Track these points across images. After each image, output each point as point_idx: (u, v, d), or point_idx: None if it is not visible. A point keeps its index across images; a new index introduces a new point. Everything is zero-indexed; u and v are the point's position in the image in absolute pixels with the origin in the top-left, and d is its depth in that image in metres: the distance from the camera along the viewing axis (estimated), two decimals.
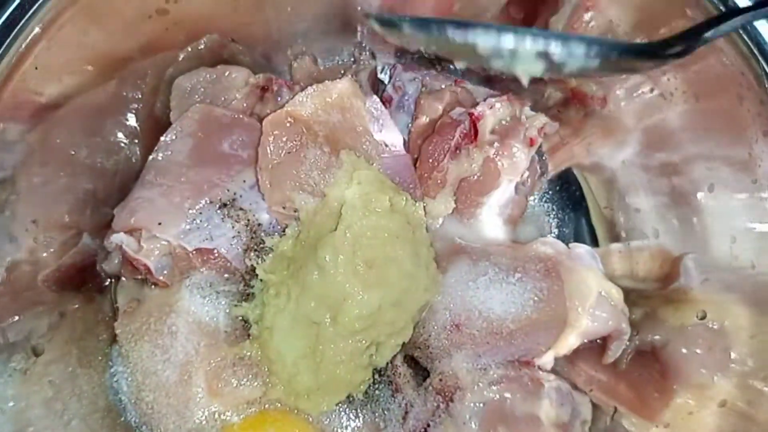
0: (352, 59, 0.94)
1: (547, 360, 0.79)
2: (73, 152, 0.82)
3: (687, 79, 0.71)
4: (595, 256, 0.79)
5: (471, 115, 0.79)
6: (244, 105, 0.85)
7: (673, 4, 0.66)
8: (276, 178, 0.76)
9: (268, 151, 0.76)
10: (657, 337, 0.78)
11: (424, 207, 0.80)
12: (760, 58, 0.62)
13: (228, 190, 0.82)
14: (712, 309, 0.71)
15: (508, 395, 0.75)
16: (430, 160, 0.80)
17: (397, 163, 0.83)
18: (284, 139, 0.76)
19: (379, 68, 0.94)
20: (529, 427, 0.74)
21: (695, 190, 0.75)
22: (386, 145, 0.84)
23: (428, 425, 0.75)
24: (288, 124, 0.76)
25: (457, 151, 0.79)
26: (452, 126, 0.80)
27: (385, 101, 0.89)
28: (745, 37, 0.62)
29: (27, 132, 0.75)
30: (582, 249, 0.79)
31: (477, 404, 0.75)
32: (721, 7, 0.61)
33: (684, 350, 0.74)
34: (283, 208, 0.77)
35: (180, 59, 0.89)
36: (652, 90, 0.76)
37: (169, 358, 0.77)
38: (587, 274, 0.77)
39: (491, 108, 0.78)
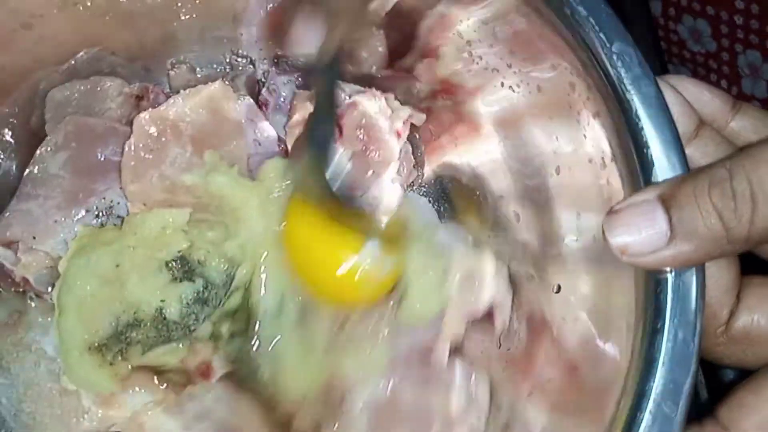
0: (230, 66, 0.96)
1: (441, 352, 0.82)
2: None
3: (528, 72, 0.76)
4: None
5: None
6: (119, 114, 0.87)
7: None
8: (137, 175, 0.78)
9: (132, 149, 0.78)
10: None
11: None
12: (584, 45, 0.66)
13: (104, 198, 0.83)
14: (565, 281, 0.76)
15: (398, 392, 0.78)
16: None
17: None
18: (147, 137, 0.79)
19: (259, 74, 0.97)
20: (421, 419, 0.77)
21: (546, 173, 0.80)
22: (259, 144, 0.87)
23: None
24: (155, 125, 0.78)
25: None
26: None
27: (262, 104, 0.92)
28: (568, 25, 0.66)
29: None
30: None
31: (366, 402, 0.78)
32: None
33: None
34: (144, 204, 0.79)
35: (56, 73, 0.90)
36: (502, 84, 0.81)
37: (49, 368, 0.78)
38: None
39: (355, 104, 0.82)
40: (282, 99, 0.92)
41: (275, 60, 0.98)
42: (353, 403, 0.78)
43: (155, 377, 0.82)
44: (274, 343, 0.80)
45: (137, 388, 0.81)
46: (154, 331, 0.80)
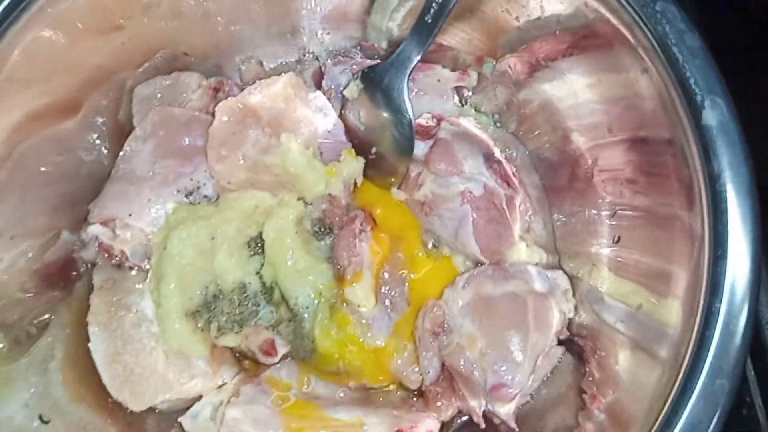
0: (296, 60, 1.06)
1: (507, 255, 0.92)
2: (45, 168, 0.89)
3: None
4: None
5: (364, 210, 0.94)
6: (200, 105, 0.96)
7: None
8: (222, 156, 0.87)
9: (217, 131, 0.87)
10: None
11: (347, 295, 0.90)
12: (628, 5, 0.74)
13: (192, 180, 0.92)
14: None
15: (480, 288, 0.87)
16: (344, 252, 0.90)
17: (335, 148, 0.95)
18: (231, 121, 0.87)
19: (322, 67, 1.06)
20: (511, 300, 0.86)
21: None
22: (329, 132, 0.96)
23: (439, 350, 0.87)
24: (236, 110, 0.87)
25: (363, 234, 0.90)
26: (351, 220, 0.92)
27: (326, 94, 1.01)
28: None
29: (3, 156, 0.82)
30: None
31: (461, 309, 0.87)
32: None
33: None
34: (228, 183, 0.88)
35: (139, 71, 1.00)
36: None
37: (149, 329, 0.86)
38: None
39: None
40: (341, 88, 1.01)
41: (332, 52, 1.08)
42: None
43: (235, 354, 0.92)
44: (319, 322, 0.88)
45: (223, 365, 0.89)
46: (233, 305, 0.87)
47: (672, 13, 0.73)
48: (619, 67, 0.82)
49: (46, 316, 0.90)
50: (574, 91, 0.92)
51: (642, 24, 0.73)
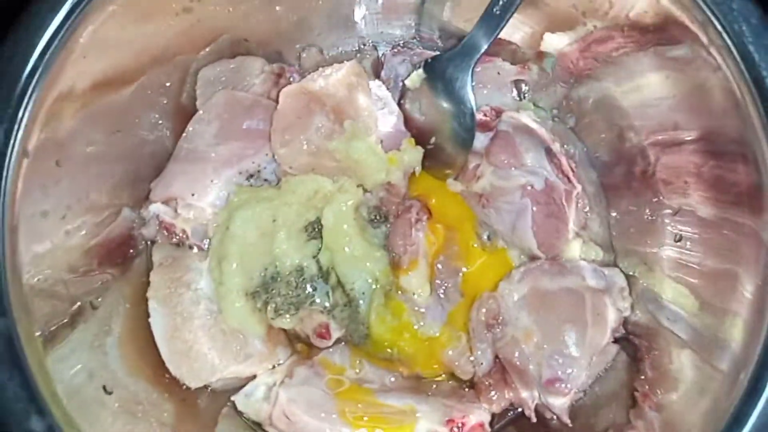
0: (356, 49, 1.06)
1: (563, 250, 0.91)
2: (109, 146, 0.90)
3: None
4: None
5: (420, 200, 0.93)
6: (262, 89, 0.97)
7: None
8: (286, 140, 0.88)
9: (282, 115, 0.88)
10: None
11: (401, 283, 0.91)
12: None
13: (253, 162, 0.93)
14: None
15: (537, 282, 0.87)
16: (400, 241, 0.90)
17: (395, 137, 0.96)
18: (296, 106, 0.88)
19: (381, 57, 1.06)
20: (568, 295, 0.86)
21: None
22: (389, 121, 0.97)
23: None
24: (301, 95, 0.88)
25: (419, 224, 0.90)
26: (407, 209, 0.92)
27: (385, 84, 1.01)
28: None
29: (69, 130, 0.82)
30: None
31: (517, 302, 0.87)
32: None
33: None
34: (290, 167, 0.89)
35: (202, 54, 1.01)
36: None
37: (208, 308, 0.88)
38: None
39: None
40: (400, 78, 1.01)
41: (391, 42, 1.09)
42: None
43: (289, 338, 0.93)
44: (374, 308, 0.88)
45: (277, 346, 0.90)
46: (290, 287, 0.88)
47: (749, 11, 0.72)
48: (688, 64, 0.81)
49: (105, 290, 0.90)
50: (638, 87, 0.91)
51: (716, 22, 0.72)
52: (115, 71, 0.89)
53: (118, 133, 0.92)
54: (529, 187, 0.90)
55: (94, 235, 0.90)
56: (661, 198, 0.91)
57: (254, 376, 0.89)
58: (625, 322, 0.90)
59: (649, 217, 0.93)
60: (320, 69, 0.93)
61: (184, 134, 0.95)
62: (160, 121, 0.97)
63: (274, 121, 0.89)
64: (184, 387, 0.86)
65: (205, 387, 0.88)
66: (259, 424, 0.88)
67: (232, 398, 0.88)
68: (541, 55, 1.00)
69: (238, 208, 0.86)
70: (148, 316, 0.88)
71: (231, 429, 0.88)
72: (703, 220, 0.86)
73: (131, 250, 0.96)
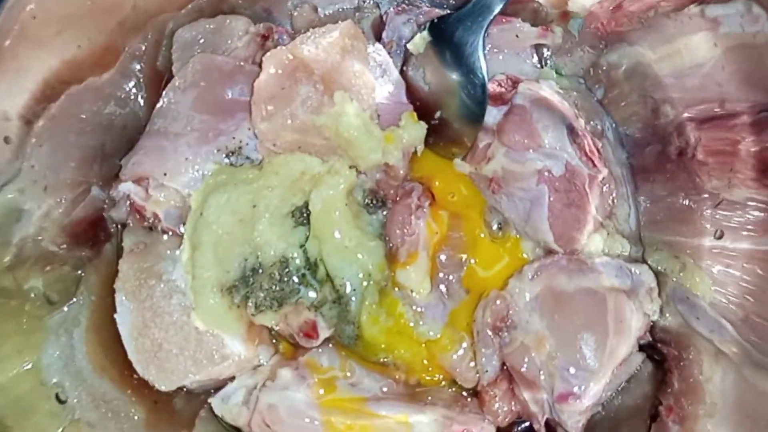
0: (355, 6, 0.93)
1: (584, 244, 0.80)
2: (83, 116, 0.82)
3: None
4: None
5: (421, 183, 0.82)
6: (246, 53, 0.85)
7: None
8: (268, 114, 0.77)
9: (263, 85, 0.76)
10: None
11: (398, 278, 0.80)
12: None
13: (234, 138, 0.82)
14: None
15: (552, 280, 0.77)
16: (398, 229, 0.80)
17: (394, 110, 0.84)
18: (280, 74, 0.77)
19: (383, 16, 0.93)
20: (588, 296, 0.76)
21: None
22: (388, 92, 0.84)
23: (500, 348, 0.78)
24: (286, 61, 0.77)
25: (420, 210, 0.80)
26: (407, 194, 0.81)
27: (386, 48, 0.88)
28: None
29: (33, 106, 0.75)
30: None
31: (528, 303, 0.77)
32: None
33: None
34: (273, 145, 0.78)
35: (181, 13, 0.89)
36: None
37: (181, 302, 0.78)
38: None
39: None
40: (403, 41, 0.89)
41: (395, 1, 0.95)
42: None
43: (271, 337, 0.84)
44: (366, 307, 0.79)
45: (258, 345, 0.81)
46: (273, 280, 0.78)
47: None
48: (742, 29, 0.68)
49: (79, 272, 0.83)
50: (678, 53, 0.79)
51: None
52: (84, 39, 0.79)
53: (85, 102, 0.82)
54: (546, 173, 0.78)
55: (59, 217, 0.81)
56: (700, 184, 0.79)
57: (233, 378, 0.79)
58: (653, 327, 0.79)
59: (685, 206, 0.81)
60: (311, 30, 0.80)
61: (157, 105, 0.85)
62: (134, 90, 0.88)
63: (255, 92, 0.78)
64: (155, 389, 0.78)
65: (180, 388, 0.79)
66: (239, 430, 0.80)
67: (209, 401, 0.79)
68: (566, 16, 0.86)
69: (212, 192, 0.75)
70: (115, 309, 0.78)
71: None
72: (750, 214, 0.74)
73: (102, 233, 0.87)
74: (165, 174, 0.81)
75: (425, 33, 0.82)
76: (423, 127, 0.81)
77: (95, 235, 0.86)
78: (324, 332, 0.80)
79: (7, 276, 0.73)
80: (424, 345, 0.79)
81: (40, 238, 0.79)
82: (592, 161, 0.78)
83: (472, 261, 0.82)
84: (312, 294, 0.79)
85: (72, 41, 0.78)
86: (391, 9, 0.92)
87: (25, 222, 0.77)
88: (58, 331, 0.79)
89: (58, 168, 0.81)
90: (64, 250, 0.82)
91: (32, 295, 0.76)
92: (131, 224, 0.84)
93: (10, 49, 0.72)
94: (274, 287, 0.79)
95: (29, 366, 0.72)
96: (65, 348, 0.79)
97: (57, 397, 0.72)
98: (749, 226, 0.73)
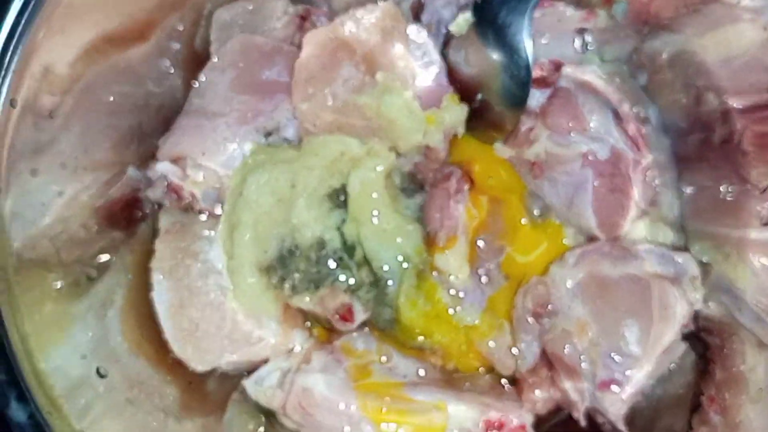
0: None
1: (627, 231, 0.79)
2: (112, 98, 0.81)
3: None
4: None
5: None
6: (284, 34, 0.85)
7: None
8: (309, 94, 0.76)
9: (304, 65, 0.76)
10: None
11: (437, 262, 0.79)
12: None
13: (273, 119, 0.82)
14: None
15: (594, 266, 0.76)
16: (437, 213, 0.79)
17: (435, 92, 0.82)
18: (321, 54, 0.76)
19: None
20: (632, 283, 0.74)
21: None
22: (429, 73, 0.83)
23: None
24: (327, 41, 0.76)
25: (459, 194, 0.78)
26: (446, 177, 0.80)
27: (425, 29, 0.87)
28: None
29: (70, 83, 0.75)
30: None
31: (570, 290, 0.76)
32: None
33: None
34: (313, 125, 0.77)
35: None
36: None
37: (217, 282, 0.77)
38: None
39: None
40: (443, 24, 0.87)
41: None
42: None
43: (307, 321, 0.83)
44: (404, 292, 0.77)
45: (294, 328, 0.80)
46: (310, 262, 0.77)
47: None
48: None
49: (108, 257, 0.82)
50: (726, 40, 0.77)
51: None
52: (121, 16, 0.79)
53: (123, 82, 0.82)
54: (591, 156, 0.76)
55: (95, 197, 0.80)
56: (744, 174, 0.77)
57: (267, 360, 0.78)
58: (696, 316, 0.77)
59: (729, 196, 0.79)
60: (351, 11, 0.79)
61: (195, 85, 0.84)
62: (171, 70, 0.87)
63: (296, 72, 0.77)
64: (190, 369, 0.77)
65: (214, 370, 0.78)
66: (273, 413, 0.79)
67: (243, 383, 0.78)
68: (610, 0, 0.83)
69: (252, 171, 0.74)
70: (151, 288, 0.78)
71: (242, 417, 0.79)
72: None
73: (137, 213, 0.87)
74: (203, 154, 0.80)
75: (468, 14, 0.80)
76: (464, 109, 0.79)
77: (131, 216, 0.85)
78: (360, 315, 0.79)
79: (52, 254, 0.72)
80: (462, 330, 0.78)
81: (75, 218, 0.78)
82: (637, 146, 0.77)
83: (512, 247, 0.80)
84: (349, 277, 0.78)
85: (112, 17, 0.77)
86: None
87: (59, 202, 0.76)
88: (94, 311, 0.78)
89: (91, 149, 0.80)
90: (98, 231, 0.81)
91: (72, 273, 0.74)
92: (168, 204, 0.83)
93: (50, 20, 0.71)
94: (310, 269, 0.78)
95: (70, 345, 0.71)
96: (99, 327, 0.78)
97: (98, 371, 0.71)
98: None
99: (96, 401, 0.69)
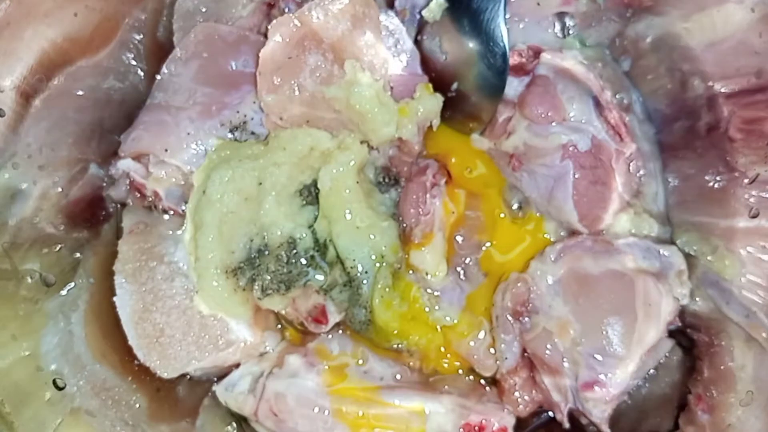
0: None
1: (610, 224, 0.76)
2: (81, 91, 0.78)
3: None
4: None
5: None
6: (251, 23, 0.81)
7: None
8: (275, 85, 0.72)
9: (269, 55, 0.72)
10: None
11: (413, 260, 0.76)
12: None
13: (238, 112, 0.78)
14: None
15: (576, 262, 0.73)
16: (412, 209, 0.75)
17: (408, 82, 0.79)
18: (287, 43, 0.72)
19: None
20: (614, 279, 0.72)
21: None
22: (401, 62, 0.79)
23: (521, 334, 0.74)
24: (293, 29, 0.72)
25: (436, 188, 0.75)
26: (421, 171, 0.77)
27: (399, 16, 0.83)
28: None
29: (29, 79, 0.71)
30: None
31: (551, 287, 0.73)
32: None
33: None
34: (280, 119, 0.73)
35: None
36: None
37: (183, 285, 0.74)
38: None
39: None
40: (416, 9, 0.83)
41: None
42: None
43: (278, 323, 0.80)
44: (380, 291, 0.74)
45: (265, 331, 0.77)
46: (280, 262, 0.74)
47: None
48: None
49: (77, 254, 0.79)
50: (711, 23, 0.74)
51: None
52: (85, 10, 0.75)
53: (84, 76, 0.78)
54: (571, 148, 0.73)
55: (56, 197, 0.76)
56: (731, 162, 0.74)
57: (238, 365, 0.75)
58: (683, 312, 0.74)
59: (716, 185, 0.76)
60: None
61: (158, 77, 0.80)
62: (133, 63, 0.83)
63: (261, 62, 0.73)
64: (157, 376, 0.74)
65: (183, 375, 0.75)
66: (245, 418, 0.76)
67: (213, 389, 0.75)
68: None
69: (216, 168, 0.71)
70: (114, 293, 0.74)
71: (214, 422, 0.76)
72: None
73: (101, 213, 0.83)
74: (166, 150, 0.77)
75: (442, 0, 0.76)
76: (439, 99, 0.76)
77: (94, 216, 0.82)
78: (334, 317, 0.75)
79: (3, 259, 0.68)
80: (439, 331, 0.75)
81: (37, 219, 0.75)
82: (620, 135, 0.73)
83: (491, 242, 0.77)
84: (321, 277, 0.75)
85: (69, 10, 0.73)
86: None
87: (22, 202, 0.74)
88: (56, 317, 0.75)
89: (55, 145, 0.77)
90: (62, 232, 0.78)
91: (29, 278, 0.71)
92: (131, 203, 0.80)
93: (4, 20, 0.67)
94: (281, 269, 0.74)
95: (27, 353, 0.68)
96: (63, 334, 0.75)
97: (55, 383, 0.68)
98: None
99: (50, 416, 0.65)
